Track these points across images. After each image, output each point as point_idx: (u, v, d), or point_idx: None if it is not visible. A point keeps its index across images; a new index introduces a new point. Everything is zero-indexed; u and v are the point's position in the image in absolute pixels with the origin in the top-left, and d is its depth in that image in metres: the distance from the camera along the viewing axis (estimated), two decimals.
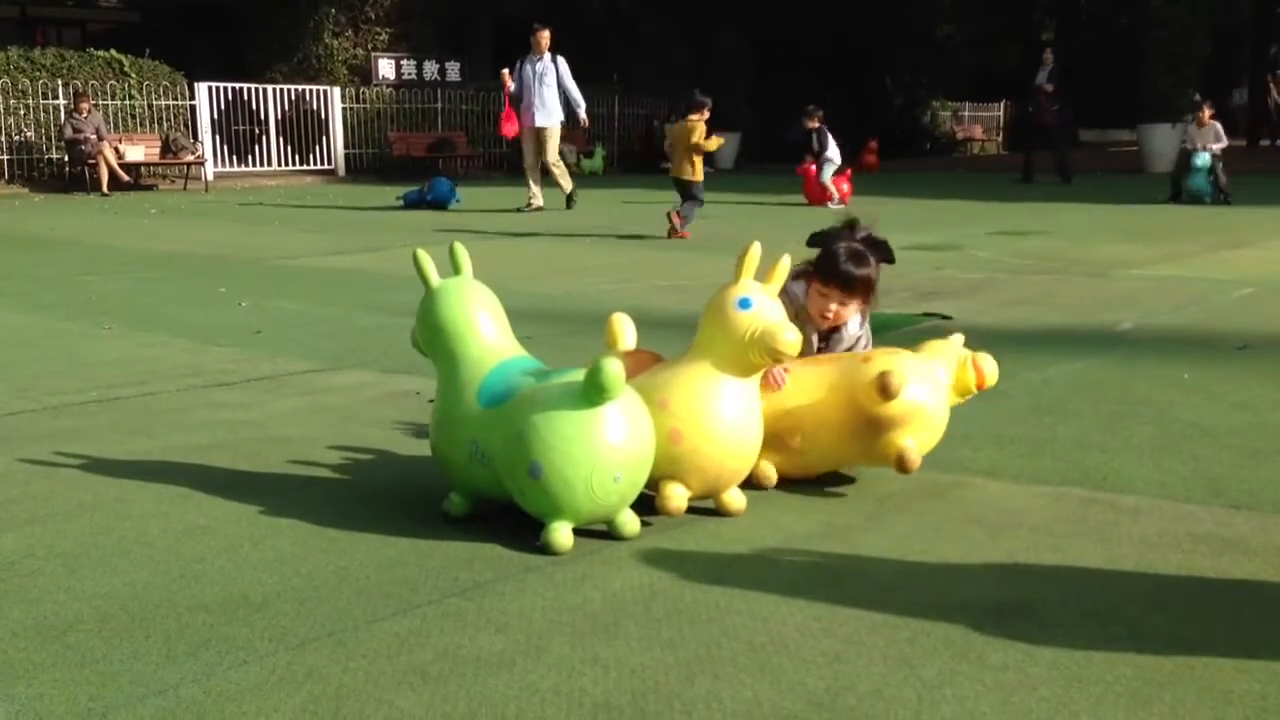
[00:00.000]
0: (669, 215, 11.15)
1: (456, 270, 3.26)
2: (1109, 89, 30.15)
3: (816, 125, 14.94)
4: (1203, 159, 14.04)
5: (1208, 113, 14.66)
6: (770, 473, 3.30)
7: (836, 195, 14.66)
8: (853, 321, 3.41)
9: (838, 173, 14.92)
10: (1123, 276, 8.02)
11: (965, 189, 17.28)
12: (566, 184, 14.55)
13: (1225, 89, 43.23)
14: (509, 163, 25.01)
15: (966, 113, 35.63)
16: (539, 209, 14.29)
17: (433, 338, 3.19)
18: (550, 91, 14.23)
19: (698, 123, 10.85)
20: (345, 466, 3.66)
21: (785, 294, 3.18)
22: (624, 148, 26.79)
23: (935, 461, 3.63)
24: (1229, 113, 44.62)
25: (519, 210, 14.21)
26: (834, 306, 3.24)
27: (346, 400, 4.58)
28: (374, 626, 2.44)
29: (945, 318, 6.29)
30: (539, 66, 14.33)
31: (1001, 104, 36.33)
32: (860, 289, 3.26)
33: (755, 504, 3.17)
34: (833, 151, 14.81)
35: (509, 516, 2.97)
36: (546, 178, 14.67)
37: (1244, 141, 32.33)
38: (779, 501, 3.26)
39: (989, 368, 3.36)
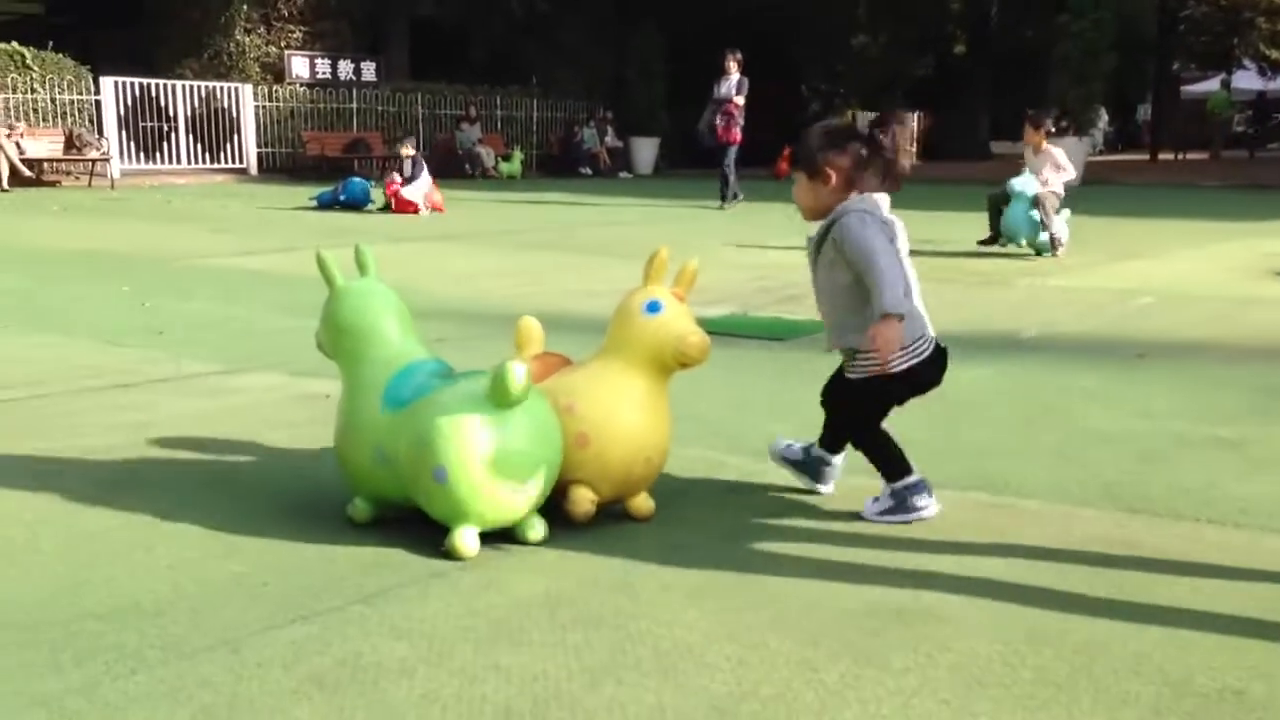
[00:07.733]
0: None
1: (362, 271, 3.21)
2: (1019, 101, 30.93)
3: (411, 154, 15.64)
4: (1021, 184, 9.95)
5: (1040, 135, 10.08)
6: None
7: (425, 206, 14.98)
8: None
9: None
10: (1026, 286, 8.18)
11: None
12: None
13: (1131, 104, 44.59)
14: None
15: None
16: None
17: (336, 339, 3.14)
18: None
19: None
20: (247, 470, 3.58)
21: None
22: (542, 151, 26.70)
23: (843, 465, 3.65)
24: (1133, 127, 46.06)
25: None
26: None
27: (252, 402, 4.48)
28: (271, 634, 2.39)
29: None
30: None
31: (916, 114, 36.99)
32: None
33: (664, 506, 3.17)
34: (423, 180, 15.25)
35: (415, 522, 2.93)
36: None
37: (1147, 155, 33.89)
38: (688, 503, 3.26)
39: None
